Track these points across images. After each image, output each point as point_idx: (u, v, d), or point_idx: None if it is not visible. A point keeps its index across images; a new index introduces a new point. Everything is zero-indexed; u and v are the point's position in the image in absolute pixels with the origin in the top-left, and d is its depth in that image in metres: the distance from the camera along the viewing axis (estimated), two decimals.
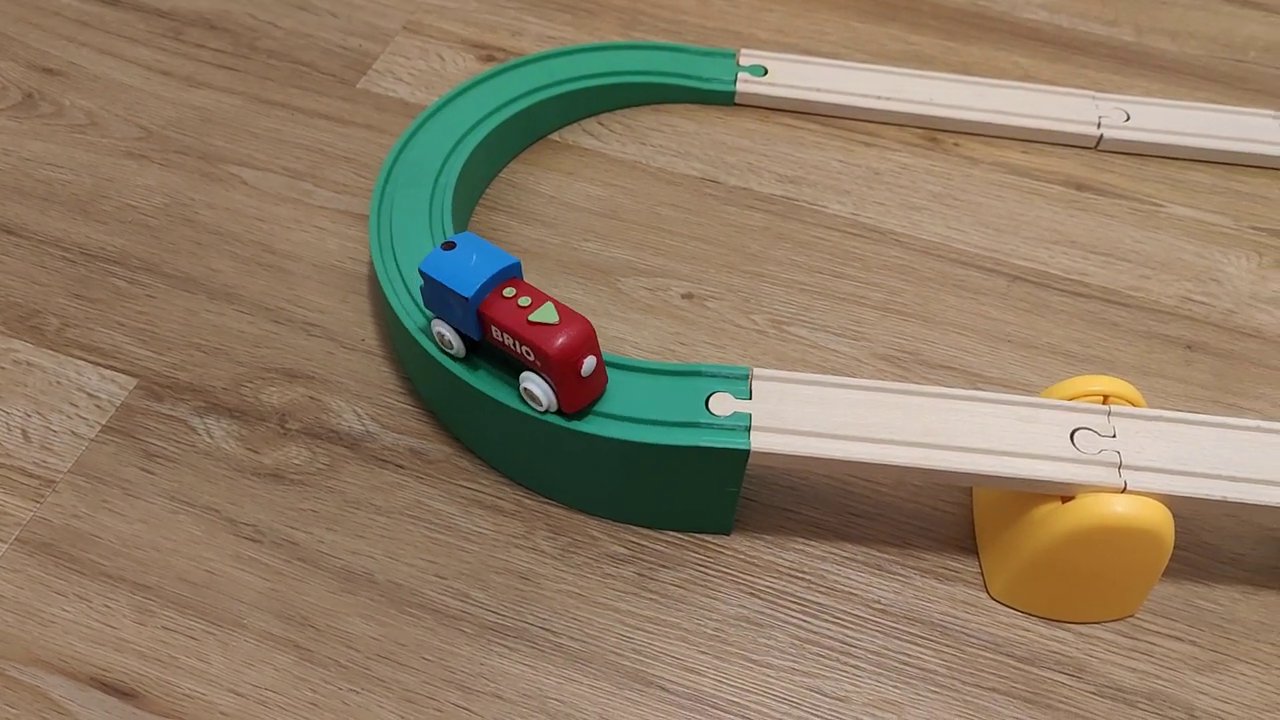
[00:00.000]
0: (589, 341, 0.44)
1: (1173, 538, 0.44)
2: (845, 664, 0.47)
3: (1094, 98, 0.70)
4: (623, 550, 0.50)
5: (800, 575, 0.50)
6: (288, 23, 0.74)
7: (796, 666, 0.47)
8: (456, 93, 0.64)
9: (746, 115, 0.70)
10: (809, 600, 0.49)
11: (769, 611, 0.48)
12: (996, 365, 0.58)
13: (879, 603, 0.49)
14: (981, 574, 0.50)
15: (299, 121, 0.67)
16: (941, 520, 0.52)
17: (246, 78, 0.70)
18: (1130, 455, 0.45)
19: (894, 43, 0.76)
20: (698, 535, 0.51)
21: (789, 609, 0.48)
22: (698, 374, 0.47)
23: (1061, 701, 0.46)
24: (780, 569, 0.50)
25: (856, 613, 0.49)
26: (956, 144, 0.69)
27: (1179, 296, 0.62)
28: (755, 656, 0.47)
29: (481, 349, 0.49)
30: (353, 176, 0.64)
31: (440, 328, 0.48)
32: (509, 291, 0.45)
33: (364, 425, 0.53)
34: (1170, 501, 0.44)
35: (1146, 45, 0.77)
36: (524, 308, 0.45)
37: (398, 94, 0.69)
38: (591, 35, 0.74)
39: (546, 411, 0.46)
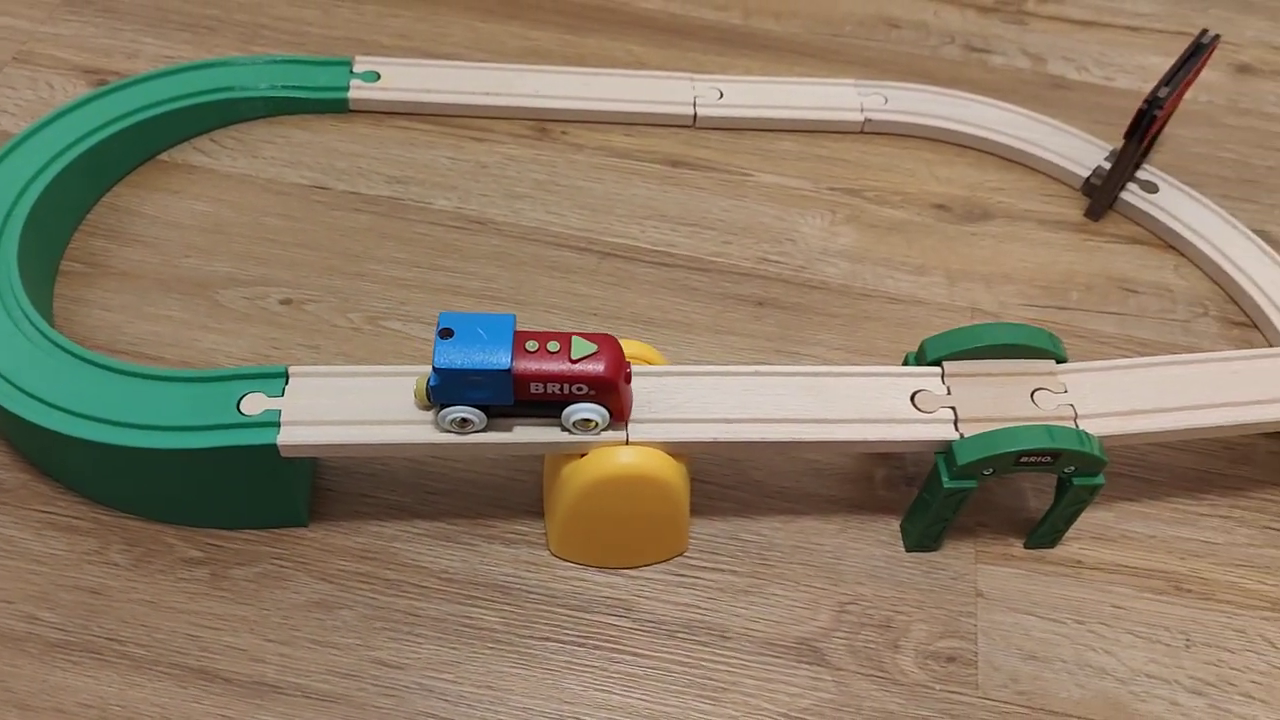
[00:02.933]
0: (622, 351, 0.46)
1: (679, 479, 0.49)
2: (409, 634, 0.50)
3: (691, 79, 0.75)
4: (198, 554, 0.52)
5: (372, 556, 0.52)
6: None
7: (361, 641, 0.50)
8: (47, 120, 0.64)
9: (361, 121, 0.72)
10: (379, 578, 0.52)
11: (339, 594, 0.51)
12: None
13: (446, 572, 0.52)
14: (546, 534, 0.54)
15: None
16: (513, 489, 0.55)
17: None
18: (637, 410, 0.49)
19: (514, 40, 0.79)
20: (275, 530, 0.53)
21: (359, 589, 0.51)
22: (233, 378, 0.49)
23: (608, 641, 0.51)
24: (354, 552, 0.52)
25: (424, 584, 0.52)
26: (564, 132, 0.73)
27: (756, 258, 0.67)
28: (322, 638, 0.50)
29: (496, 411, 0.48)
30: None
31: (456, 414, 0.47)
32: (531, 345, 0.46)
33: None
34: (669, 448, 0.49)
35: (753, 26, 0.83)
36: (557, 352, 0.45)
37: (1, 126, 0.69)
38: (211, 52, 0.75)
39: (601, 430, 0.47)
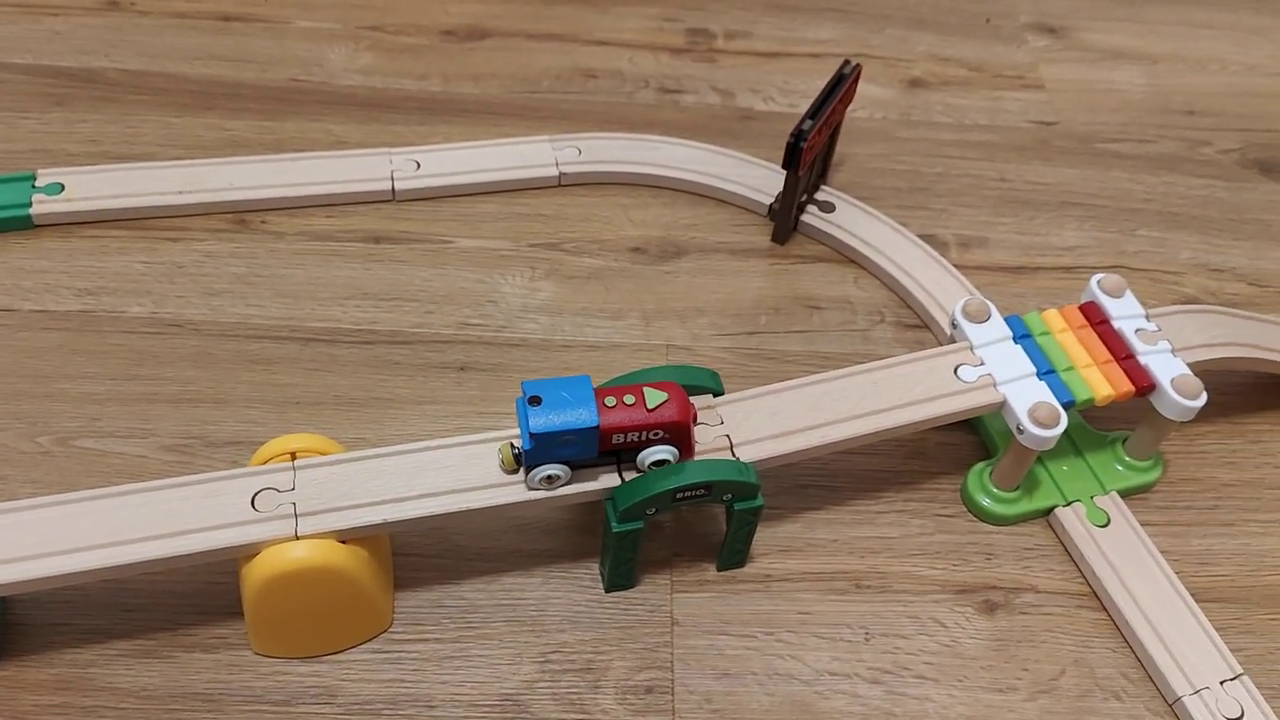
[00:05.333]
0: (686, 394, 0.52)
1: (356, 564, 0.50)
2: None
3: (389, 153, 0.77)
4: None
5: (66, 685, 0.52)
6: None
7: None
8: None
9: (47, 235, 0.71)
10: (74, 707, 0.51)
11: None
12: (283, 428, 0.62)
13: (144, 690, 0.52)
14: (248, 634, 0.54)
15: None
16: (215, 593, 0.56)
17: None
18: (306, 503, 0.50)
19: (211, 132, 0.79)
20: None
21: None
22: None
23: None
24: (47, 685, 0.52)
25: (121, 706, 0.51)
26: (264, 222, 0.74)
27: (458, 324, 0.69)
28: None
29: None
30: None
31: (547, 471, 0.51)
32: (610, 400, 0.51)
33: None
34: (341, 535, 0.50)
35: (452, 92, 0.85)
36: (633, 405, 0.50)
37: None
38: None
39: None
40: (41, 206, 0.71)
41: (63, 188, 0.72)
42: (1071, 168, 0.84)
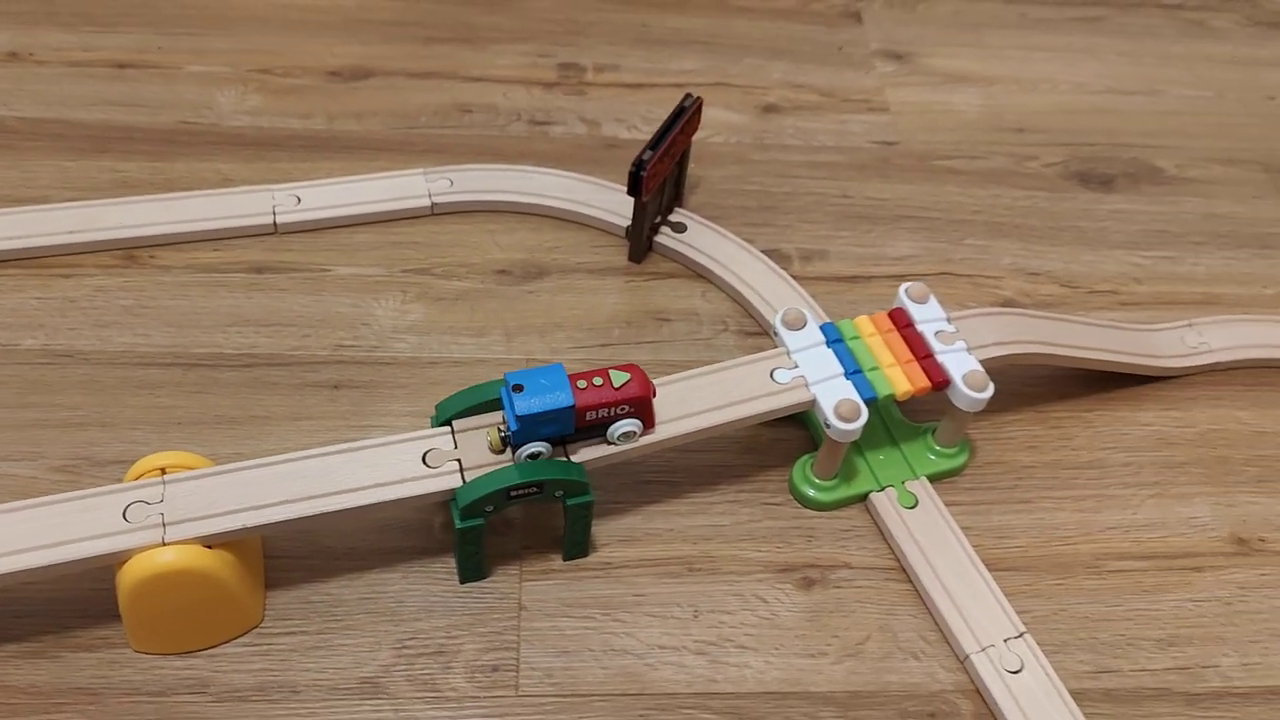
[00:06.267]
0: (646, 374, 0.61)
1: (221, 566, 0.56)
2: None
3: (271, 190, 0.83)
4: None
5: None
6: None
7: None
8: None
9: None
10: None
11: None
12: (165, 446, 0.68)
13: (33, 686, 0.57)
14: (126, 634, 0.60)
15: None
16: (97, 598, 0.61)
17: None
18: (173, 513, 0.56)
19: (104, 174, 0.85)
20: None
21: None
22: None
23: (188, 716, 0.57)
24: None
25: (11, 701, 0.57)
26: (152, 257, 0.79)
27: (333, 345, 0.75)
28: None
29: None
30: None
31: (532, 449, 0.59)
32: (581, 384, 0.59)
33: None
34: (206, 540, 0.56)
35: (335, 130, 0.91)
36: (602, 385, 0.59)
37: None
38: None
39: (639, 437, 0.61)
40: None
41: None
42: (909, 184, 0.92)
